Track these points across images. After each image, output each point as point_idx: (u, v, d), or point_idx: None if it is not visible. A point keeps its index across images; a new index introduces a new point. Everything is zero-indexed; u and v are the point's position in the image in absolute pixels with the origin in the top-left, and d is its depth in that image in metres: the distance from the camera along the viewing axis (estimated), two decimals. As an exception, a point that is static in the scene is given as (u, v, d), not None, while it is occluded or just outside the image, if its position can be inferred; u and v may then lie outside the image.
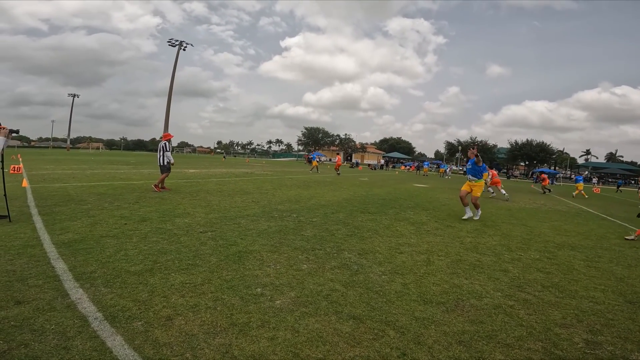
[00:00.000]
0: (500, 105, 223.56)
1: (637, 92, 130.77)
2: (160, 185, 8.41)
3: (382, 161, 61.85)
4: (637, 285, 3.59)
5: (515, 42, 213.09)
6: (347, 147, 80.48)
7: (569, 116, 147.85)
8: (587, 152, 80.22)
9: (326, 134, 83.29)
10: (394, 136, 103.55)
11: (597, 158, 77.72)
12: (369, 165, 54.42)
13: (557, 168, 67.21)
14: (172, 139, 9.53)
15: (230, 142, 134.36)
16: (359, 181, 17.24)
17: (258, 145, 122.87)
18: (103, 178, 10.99)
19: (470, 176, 7.32)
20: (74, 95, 72.20)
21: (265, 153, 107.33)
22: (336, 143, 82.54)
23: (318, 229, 5.16)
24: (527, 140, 62.40)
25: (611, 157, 79.58)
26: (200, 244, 3.96)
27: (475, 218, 7.24)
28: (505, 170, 59.55)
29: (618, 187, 30.35)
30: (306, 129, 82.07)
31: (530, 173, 58.20)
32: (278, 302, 2.59)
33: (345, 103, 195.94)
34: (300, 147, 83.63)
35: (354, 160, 58.56)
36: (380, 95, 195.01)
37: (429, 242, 4.84)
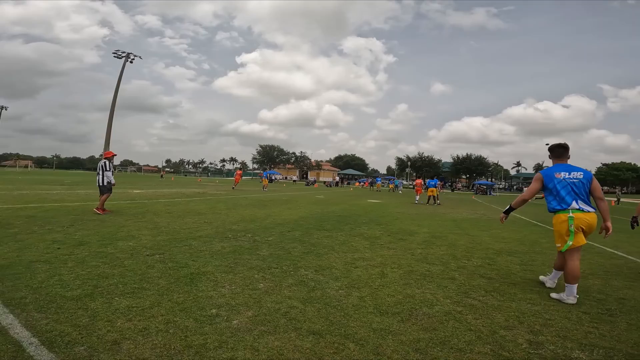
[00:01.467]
0: (443, 121, 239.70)
1: (557, 107, 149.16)
2: (101, 208, 7.77)
3: (337, 178, 62.98)
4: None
5: (455, 61, 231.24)
6: (303, 164, 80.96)
7: (501, 131, 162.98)
8: (518, 164, 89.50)
9: (282, 151, 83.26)
10: (349, 153, 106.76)
11: (526, 169, 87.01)
12: (324, 182, 55.12)
13: (493, 180, 73.43)
14: (114, 157, 8.84)
15: (181, 160, 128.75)
16: (315, 199, 17.37)
17: (211, 163, 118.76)
18: (32, 199, 9.87)
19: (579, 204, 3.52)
20: (1, 108, 64.38)
21: (219, 172, 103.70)
22: (292, 161, 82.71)
23: (274, 248, 5.08)
24: (467, 154, 67.86)
25: (539, 168, 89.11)
26: (147, 267, 3.69)
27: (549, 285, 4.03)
28: (450, 183, 63.72)
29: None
30: (261, 146, 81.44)
31: (471, 185, 62.90)
32: (235, 322, 2.49)
33: (301, 120, 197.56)
34: (256, 166, 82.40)
35: (310, 178, 58.83)
36: (335, 113, 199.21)
37: (382, 256, 4.98)
